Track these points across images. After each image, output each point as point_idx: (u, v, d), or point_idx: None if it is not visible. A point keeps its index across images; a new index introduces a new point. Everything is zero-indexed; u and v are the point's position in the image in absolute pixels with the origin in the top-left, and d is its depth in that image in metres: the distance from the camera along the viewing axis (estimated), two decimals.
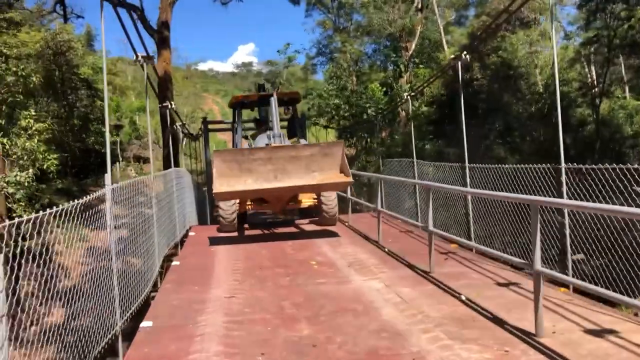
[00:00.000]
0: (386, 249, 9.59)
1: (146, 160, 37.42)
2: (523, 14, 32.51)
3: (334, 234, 11.55)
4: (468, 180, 9.35)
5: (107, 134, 6.27)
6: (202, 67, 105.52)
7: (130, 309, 6.49)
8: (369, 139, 29.24)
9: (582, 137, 33.02)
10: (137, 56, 8.09)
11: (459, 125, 27.91)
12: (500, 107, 30.69)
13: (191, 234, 12.61)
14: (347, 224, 12.64)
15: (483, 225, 8.95)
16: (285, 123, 15.97)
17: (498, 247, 8.43)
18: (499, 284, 7.15)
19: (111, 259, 5.88)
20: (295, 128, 13.98)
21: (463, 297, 6.57)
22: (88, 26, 39.13)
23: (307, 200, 12.78)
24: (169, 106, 10.66)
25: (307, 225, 12.98)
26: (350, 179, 10.46)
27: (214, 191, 10.06)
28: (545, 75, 34.47)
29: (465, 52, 9.23)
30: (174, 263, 9.33)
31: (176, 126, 13.55)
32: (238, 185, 10.15)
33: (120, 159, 36.08)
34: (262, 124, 13.02)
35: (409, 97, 12.26)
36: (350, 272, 8.17)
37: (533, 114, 32.34)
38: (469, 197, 9.34)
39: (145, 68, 8.24)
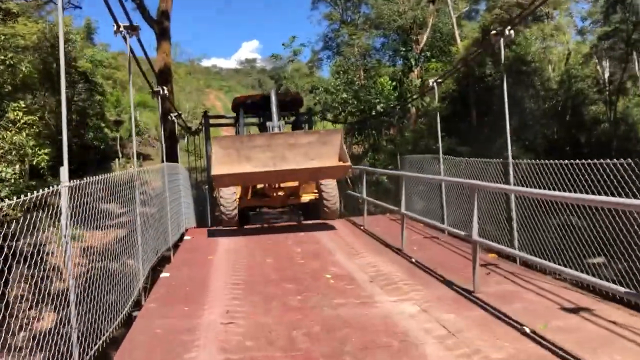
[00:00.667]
0: (413, 259, 8.04)
1: (147, 157, 35.92)
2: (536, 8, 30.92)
3: (348, 239, 10.00)
4: (512, 178, 7.78)
5: (64, 110, 4.74)
6: (206, 63, 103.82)
7: (97, 343, 4.96)
8: (377, 137, 27.74)
9: (597, 135, 31.48)
10: (118, 26, 6.56)
11: (472, 122, 25.84)
12: (514, 103, 29.09)
13: (187, 237, 11.05)
14: (362, 227, 11.08)
15: (530, 231, 7.38)
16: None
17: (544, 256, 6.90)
18: (566, 310, 5.58)
19: (68, 278, 4.35)
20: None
21: (527, 330, 5.02)
22: (88, 19, 37.58)
23: (307, 195, 12.49)
24: (160, 92, 9.13)
25: (315, 228, 11.42)
26: (349, 164, 10.34)
27: (212, 174, 10.05)
28: (560, 71, 32.95)
29: (509, 27, 7.69)
30: (162, 275, 7.78)
31: (171, 117, 12.01)
32: (236, 170, 10.05)
33: (120, 155, 34.54)
34: (266, 129, 12.51)
35: (434, 84, 10.72)
36: (374, 290, 6.61)
37: (547, 111, 30.83)
38: (512, 198, 7.78)
39: (128, 41, 6.71)
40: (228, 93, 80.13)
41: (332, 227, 11.46)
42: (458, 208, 9.91)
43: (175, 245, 10.27)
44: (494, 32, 7.99)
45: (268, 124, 11.95)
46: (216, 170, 9.88)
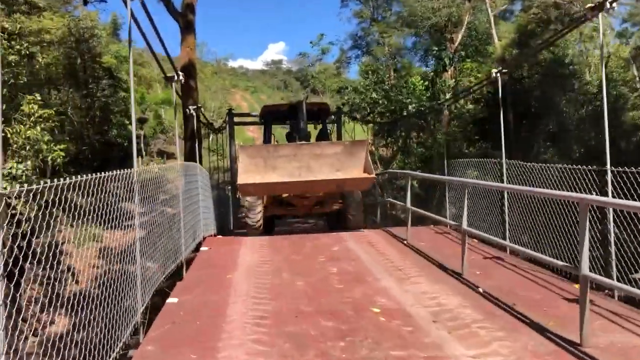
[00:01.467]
0: (480, 289, 6.27)
1: (170, 156, 34.72)
2: (576, 8, 28.99)
3: (391, 257, 8.24)
4: (610, 190, 5.98)
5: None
6: (232, 64, 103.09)
7: None
8: (407, 139, 26.04)
9: (636, 142, 29.30)
10: None
11: (509, 125, 23.82)
12: (552, 107, 27.18)
13: (203, 248, 9.38)
14: (405, 241, 9.30)
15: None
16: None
17: None
18: None
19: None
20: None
21: None
22: (114, 15, 36.52)
23: (332, 204, 12.15)
24: (175, 78, 7.52)
25: (351, 242, 9.70)
26: (374, 176, 10.34)
27: (237, 183, 9.94)
28: (598, 75, 30.90)
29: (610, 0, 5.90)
30: (169, 300, 6.12)
31: (189, 110, 10.43)
32: (262, 179, 9.94)
33: (144, 153, 33.30)
34: (293, 137, 12.54)
35: (498, 75, 8.90)
36: (441, 336, 4.87)
37: (584, 116, 28.80)
38: (611, 216, 5.96)
39: (129, 4, 5.09)
40: (254, 93, 78.89)
41: (369, 240, 9.73)
42: (515, 220, 8.18)
43: (193, 252, 8.72)
44: (590, 5, 6.20)
45: (295, 134, 12.02)
46: (242, 179, 9.74)
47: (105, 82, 27.95)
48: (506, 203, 8.50)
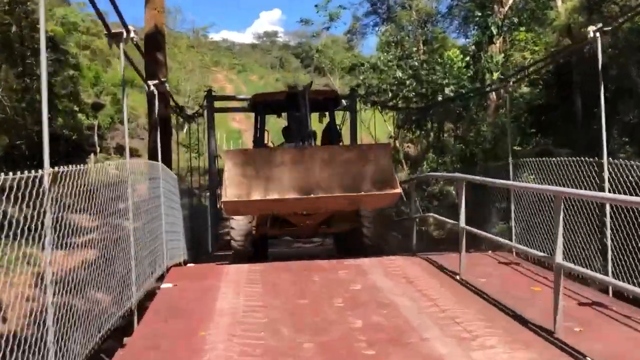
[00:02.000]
0: (588, 359, 5.07)
1: (134, 152, 33.77)
2: None
3: (440, 301, 7.02)
4: None
5: None
6: (214, 37, 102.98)
7: None
8: (440, 132, 24.96)
9: None
10: None
11: (577, 113, 22.74)
12: (630, 91, 26.01)
13: (165, 285, 8.23)
14: (458, 276, 8.09)
15: None
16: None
17: None
18: None
19: None
20: (332, 141, 13.14)
21: None
22: None
23: (342, 223, 11.93)
24: (124, 34, 6.34)
25: (376, 275, 8.55)
26: (399, 191, 10.06)
27: (222, 200, 9.77)
28: None
29: None
30: None
31: (149, 86, 9.29)
32: (254, 195, 9.65)
33: (98, 149, 32.30)
34: (292, 134, 12.01)
35: (597, 35, 7.55)
36: None
37: None
38: None
39: None
40: (241, 73, 78.40)
41: (404, 274, 8.56)
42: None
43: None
44: None
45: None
46: (228, 195, 9.48)
47: (48, 56, 27.00)
48: (608, 223, 7.29)
